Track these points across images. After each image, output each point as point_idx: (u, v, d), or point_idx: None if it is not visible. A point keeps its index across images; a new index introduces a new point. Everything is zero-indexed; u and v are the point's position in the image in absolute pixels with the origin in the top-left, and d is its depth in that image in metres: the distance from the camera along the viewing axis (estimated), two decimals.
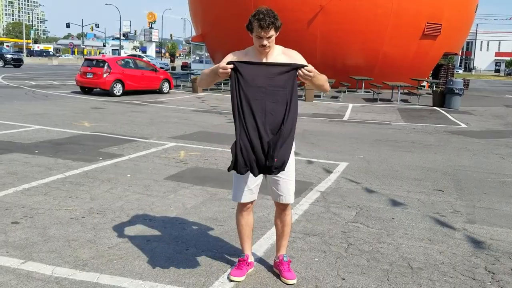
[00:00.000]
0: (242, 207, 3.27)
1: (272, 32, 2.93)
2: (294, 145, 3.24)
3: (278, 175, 3.13)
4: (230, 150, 2.96)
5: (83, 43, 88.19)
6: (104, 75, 17.02)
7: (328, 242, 4.06)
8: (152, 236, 4.03)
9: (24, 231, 4.01)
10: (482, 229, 4.55)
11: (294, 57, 3.09)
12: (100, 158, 6.93)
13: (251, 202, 3.27)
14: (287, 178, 3.17)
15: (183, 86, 23.83)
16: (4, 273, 3.25)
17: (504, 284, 3.40)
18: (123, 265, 3.44)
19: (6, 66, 39.59)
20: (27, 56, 63.77)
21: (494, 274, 3.57)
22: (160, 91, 19.36)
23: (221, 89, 22.86)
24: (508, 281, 3.45)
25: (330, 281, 3.33)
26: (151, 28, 57.25)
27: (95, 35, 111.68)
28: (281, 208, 3.29)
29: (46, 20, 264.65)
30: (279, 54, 3.07)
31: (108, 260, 3.51)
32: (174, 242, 3.91)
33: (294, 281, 3.25)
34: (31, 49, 79.01)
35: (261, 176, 3.20)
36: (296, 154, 3.28)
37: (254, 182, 3.17)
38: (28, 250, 3.64)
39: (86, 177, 5.86)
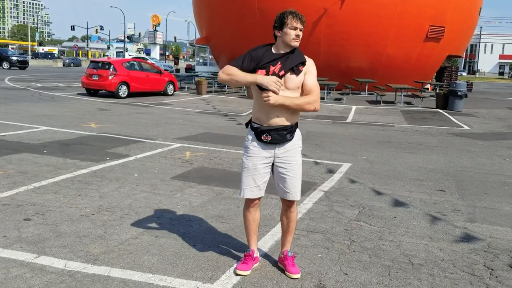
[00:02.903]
0: (249, 203, 3.39)
1: (303, 27, 3.16)
2: (301, 144, 3.37)
3: (285, 172, 3.26)
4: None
5: (87, 45, 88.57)
6: (110, 77, 17.18)
7: (331, 239, 4.17)
8: (160, 232, 4.16)
9: (36, 227, 4.14)
10: (482, 228, 4.65)
11: (308, 63, 3.24)
12: (108, 158, 7.06)
13: (258, 199, 3.39)
14: (293, 176, 3.29)
15: (187, 88, 23.99)
16: (19, 266, 3.38)
17: (503, 280, 3.50)
18: (133, 259, 3.57)
19: (12, 68, 39.93)
20: (32, 58, 64.14)
21: (492, 270, 3.67)
22: (164, 93, 19.52)
23: (225, 91, 23.01)
24: (506, 277, 3.55)
25: (333, 276, 3.44)
26: (155, 30, 57.47)
27: (99, 38, 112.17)
28: (287, 205, 3.41)
29: (51, 23, 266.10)
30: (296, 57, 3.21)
31: (119, 255, 3.63)
32: (182, 238, 4.03)
33: (298, 276, 3.37)
34: (36, 51, 79.44)
35: (268, 174, 3.33)
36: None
37: (261, 179, 3.30)
38: (41, 245, 3.77)
39: (95, 176, 5.99)
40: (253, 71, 3.16)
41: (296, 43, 3.16)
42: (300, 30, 3.15)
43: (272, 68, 3.14)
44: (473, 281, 3.46)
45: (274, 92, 3.06)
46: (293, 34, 3.14)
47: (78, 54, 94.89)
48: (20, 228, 4.11)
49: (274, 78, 3.08)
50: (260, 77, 3.10)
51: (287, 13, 3.15)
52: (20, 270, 3.32)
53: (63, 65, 59.19)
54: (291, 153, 3.28)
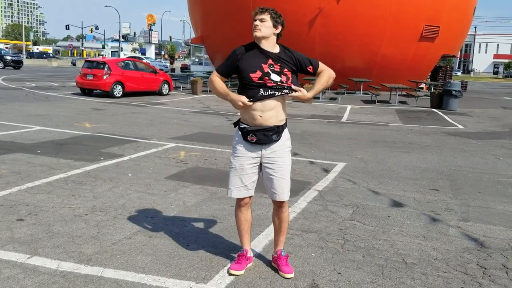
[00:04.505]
0: (239, 203, 3.39)
1: (266, 17, 3.11)
2: (290, 145, 3.36)
3: (272, 173, 3.26)
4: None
5: (82, 45, 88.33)
6: (104, 77, 17.12)
7: (325, 238, 4.17)
8: (154, 232, 4.14)
9: (29, 228, 4.12)
10: (476, 227, 4.67)
11: (294, 55, 3.22)
12: (102, 158, 7.04)
13: (249, 198, 3.38)
14: (280, 177, 3.27)
15: (182, 87, 23.95)
16: (11, 267, 3.36)
17: (495, 279, 3.51)
18: (126, 259, 3.55)
19: (6, 67, 39.73)
20: (26, 58, 63.85)
21: (485, 269, 3.68)
22: (160, 93, 19.47)
23: None
24: (499, 276, 3.56)
25: (326, 275, 3.44)
26: (150, 30, 57.51)
27: (94, 37, 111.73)
28: (278, 205, 3.40)
29: (46, 22, 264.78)
30: (281, 52, 3.21)
31: (112, 255, 3.62)
32: (176, 238, 4.02)
33: (291, 275, 3.36)
34: (31, 51, 79.13)
35: (256, 174, 3.32)
36: (295, 154, 3.41)
37: (249, 179, 3.29)
38: (34, 245, 3.75)
39: (88, 176, 5.97)
40: (237, 68, 3.18)
41: (255, 33, 3.14)
42: (261, 20, 3.12)
43: (264, 66, 3.12)
44: (466, 280, 3.47)
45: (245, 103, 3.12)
46: (253, 25, 3.17)
47: (73, 53, 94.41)
48: (13, 229, 4.09)
49: (243, 98, 3.11)
50: (232, 94, 3.18)
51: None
52: (12, 271, 3.30)
53: (73, 64, 60.72)
54: (279, 154, 3.26)
